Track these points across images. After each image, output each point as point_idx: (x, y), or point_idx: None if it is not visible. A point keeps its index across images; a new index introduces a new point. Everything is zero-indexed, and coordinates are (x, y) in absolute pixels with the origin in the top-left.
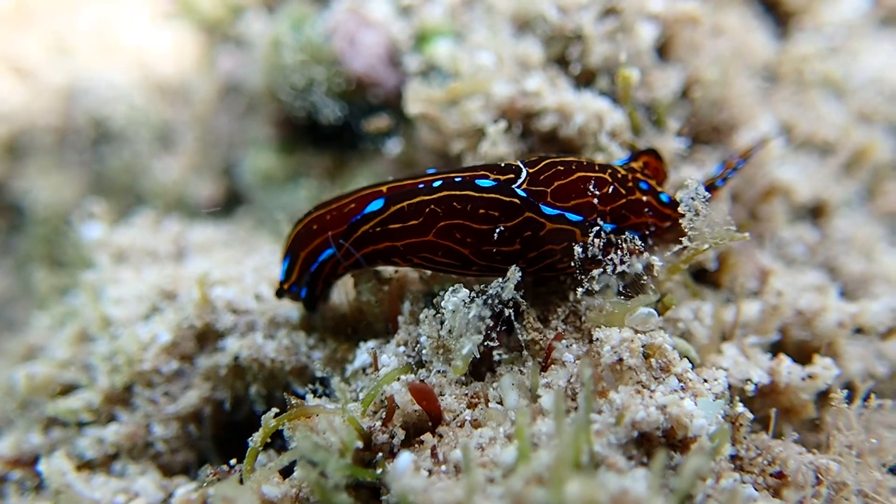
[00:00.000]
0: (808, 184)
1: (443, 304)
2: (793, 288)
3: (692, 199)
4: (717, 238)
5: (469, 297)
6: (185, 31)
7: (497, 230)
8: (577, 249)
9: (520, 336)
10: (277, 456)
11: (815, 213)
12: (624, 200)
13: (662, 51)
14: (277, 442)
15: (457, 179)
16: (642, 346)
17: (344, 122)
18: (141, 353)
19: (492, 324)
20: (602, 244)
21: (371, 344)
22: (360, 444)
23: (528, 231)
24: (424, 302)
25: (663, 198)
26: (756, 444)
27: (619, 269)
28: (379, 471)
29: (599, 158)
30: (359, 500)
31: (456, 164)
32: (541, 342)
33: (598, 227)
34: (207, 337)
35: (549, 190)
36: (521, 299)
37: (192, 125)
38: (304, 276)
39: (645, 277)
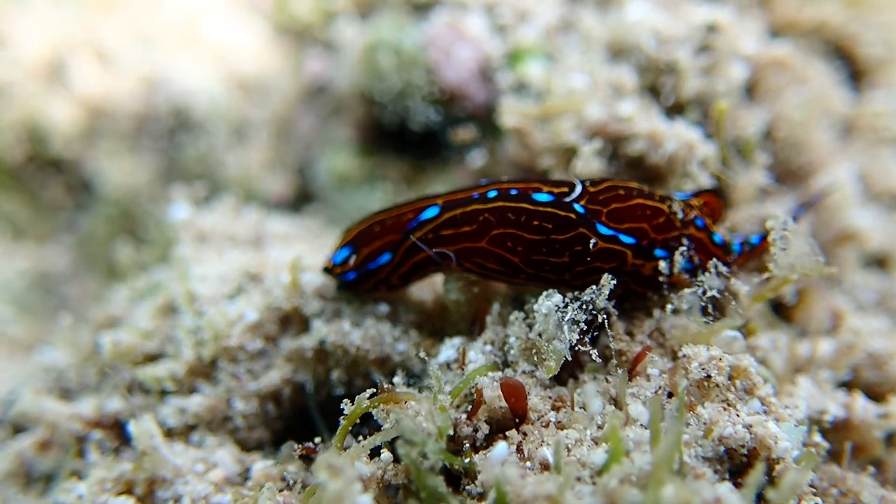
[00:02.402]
0: (879, 234)
1: (536, 306)
2: (866, 330)
3: (784, 229)
4: (805, 270)
5: (563, 301)
6: (270, 30)
7: (548, 241)
8: (663, 266)
9: (610, 345)
10: (354, 440)
11: (881, 263)
12: (676, 233)
13: (750, 91)
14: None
15: (512, 192)
16: (728, 367)
17: (428, 130)
18: (228, 329)
19: (585, 328)
20: (686, 263)
21: (458, 340)
22: (451, 431)
23: (579, 246)
24: (512, 305)
25: (716, 238)
26: (829, 475)
27: (708, 291)
28: (465, 460)
29: (687, 187)
30: None
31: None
32: (627, 353)
33: (650, 252)
34: (292, 320)
35: (605, 210)
36: (613, 309)
37: (270, 123)
38: (361, 269)
39: (733, 302)
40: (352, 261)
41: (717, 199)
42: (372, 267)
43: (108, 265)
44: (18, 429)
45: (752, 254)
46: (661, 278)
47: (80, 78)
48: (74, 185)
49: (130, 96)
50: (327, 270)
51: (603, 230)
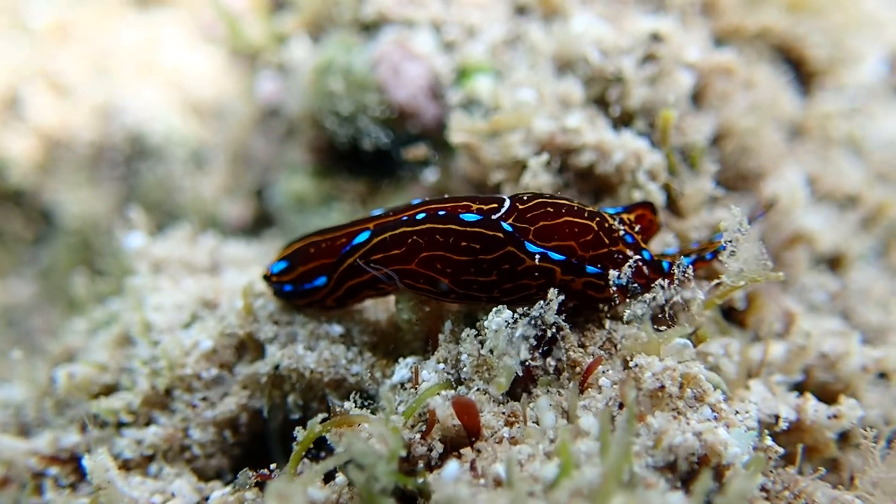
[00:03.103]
0: (829, 235)
1: (486, 323)
2: (817, 331)
3: (737, 232)
4: (753, 276)
5: (513, 317)
6: (225, 55)
7: (476, 261)
8: (613, 274)
9: (562, 358)
10: (311, 464)
11: (833, 263)
12: (605, 250)
13: (696, 99)
14: (310, 451)
15: (440, 213)
16: (679, 376)
17: (381, 150)
18: (183, 358)
19: (535, 343)
20: (631, 275)
21: (411, 360)
22: (403, 452)
23: (507, 264)
24: (465, 322)
25: (645, 255)
26: (782, 478)
27: (656, 300)
28: (420, 480)
29: (636, 196)
30: None
31: (493, 192)
32: (580, 365)
33: (581, 268)
34: (247, 346)
35: (532, 228)
36: (563, 322)
37: (227, 147)
38: (296, 286)
39: (681, 310)
40: (287, 275)
41: (651, 213)
42: (307, 287)
43: (68, 297)
44: None
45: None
46: (599, 295)
47: (36, 109)
48: (34, 217)
49: (87, 126)
50: (266, 278)
51: (532, 248)
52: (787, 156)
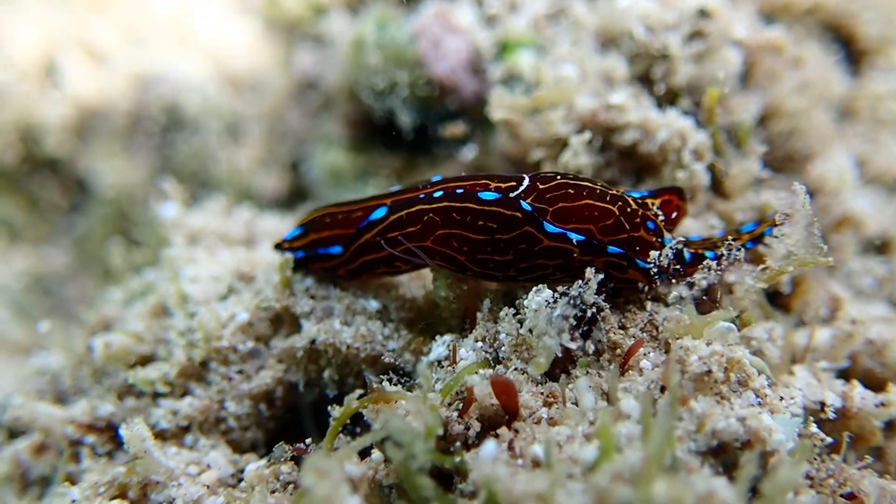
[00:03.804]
0: (877, 218)
1: (526, 302)
2: (864, 317)
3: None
4: (802, 260)
5: (553, 297)
6: (261, 26)
7: (492, 241)
8: (654, 255)
9: (602, 339)
10: (347, 440)
11: (881, 248)
12: (625, 236)
13: (744, 77)
14: (345, 427)
15: (458, 191)
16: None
17: (419, 124)
18: (219, 330)
19: (574, 324)
20: (672, 257)
21: (448, 337)
22: (441, 431)
23: (524, 244)
24: (503, 301)
25: (667, 242)
26: (827, 465)
27: (698, 283)
28: (457, 459)
29: (681, 176)
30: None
31: (532, 171)
32: (620, 347)
33: (602, 249)
34: (283, 320)
35: (551, 209)
36: (603, 303)
37: (262, 119)
38: (308, 251)
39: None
40: (300, 241)
41: (678, 199)
42: (321, 252)
43: (103, 266)
44: (13, 434)
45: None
46: (620, 275)
47: (73, 78)
48: (69, 186)
49: (123, 95)
50: (278, 246)
51: (550, 228)
52: (836, 137)
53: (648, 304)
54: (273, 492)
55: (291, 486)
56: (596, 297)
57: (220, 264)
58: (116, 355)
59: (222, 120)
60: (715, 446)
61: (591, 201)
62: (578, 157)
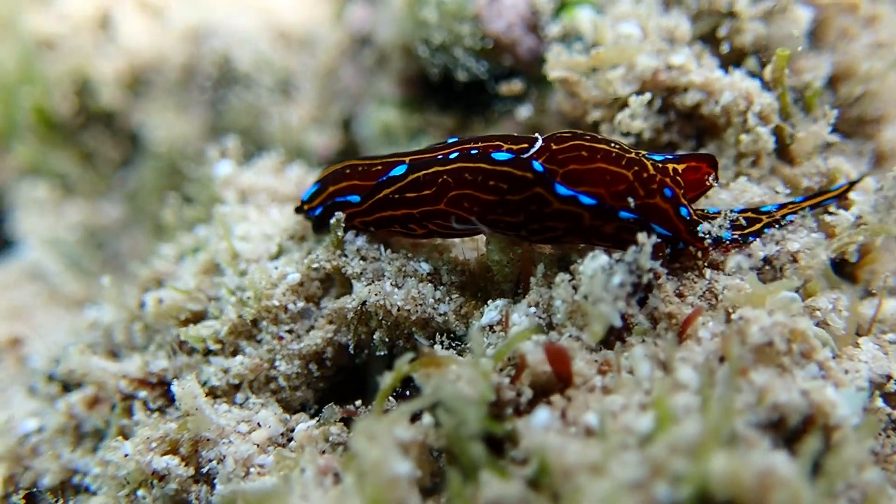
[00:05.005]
0: None
1: (581, 268)
2: None
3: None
4: (874, 229)
5: (609, 263)
6: None
7: (503, 202)
8: (706, 227)
9: (659, 307)
10: (395, 403)
11: None
12: (639, 202)
13: (813, 36)
14: (395, 390)
15: (472, 152)
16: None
17: (474, 82)
18: (270, 289)
19: (631, 291)
20: (725, 226)
21: (501, 302)
22: (493, 397)
23: (534, 206)
24: (558, 266)
25: (683, 211)
26: (893, 441)
27: (757, 251)
28: (508, 426)
29: (745, 139)
30: None
31: (592, 132)
32: (678, 316)
33: (613, 214)
34: (334, 280)
35: (561, 170)
36: (661, 269)
37: (314, 76)
38: (326, 202)
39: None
40: (318, 198)
41: (708, 167)
42: (339, 200)
43: (156, 220)
44: (67, 387)
45: (721, 247)
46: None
47: (128, 31)
48: (123, 140)
49: (176, 49)
50: (299, 210)
51: (562, 191)
52: None
53: (707, 272)
54: (322, 452)
55: (341, 447)
56: (652, 262)
57: (271, 223)
58: (168, 311)
59: (274, 76)
60: (776, 420)
61: (604, 165)
62: (635, 119)
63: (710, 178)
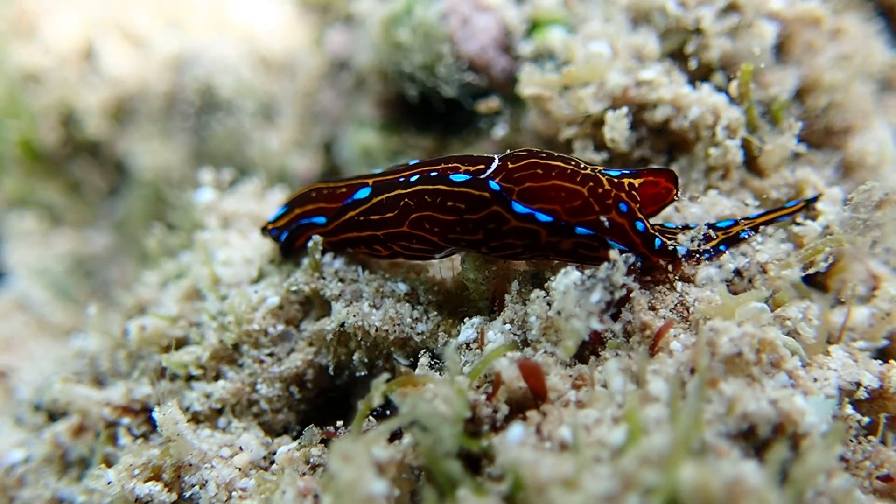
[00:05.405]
0: None
1: (553, 285)
2: None
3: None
4: (838, 240)
5: (581, 279)
6: (294, 7)
7: (461, 221)
8: (683, 239)
9: (632, 320)
10: (375, 422)
11: None
12: (593, 218)
13: (779, 50)
14: (374, 410)
15: (432, 174)
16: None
17: (450, 103)
18: (251, 313)
19: (604, 306)
20: (699, 240)
21: (477, 320)
22: (469, 414)
23: (492, 224)
24: (532, 283)
25: (638, 225)
26: (863, 447)
27: (727, 263)
28: (484, 442)
29: (714, 153)
30: None
31: (564, 150)
32: (650, 328)
33: (570, 230)
34: (313, 303)
35: (517, 189)
36: (633, 283)
37: (296, 100)
38: (291, 226)
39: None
40: (284, 219)
41: (667, 181)
42: (304, 222)
43: (143, 248)
44: (53, 416)
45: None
46: (593, 254)
47: (111, 61)
48: (109, 169)
49: (159, 77)
50: (264, 231)
51: (519, 209)
52: (877, 110)
53: (679, 285)
54: (303, 475)
55: (321, 468)
56: (626, 278)
57: (252, 247)
58: (151, 338)
59: (256, 101)
60: (745, 429)
61: (558, 182)
62: (621, 132)
63: (674, 193)
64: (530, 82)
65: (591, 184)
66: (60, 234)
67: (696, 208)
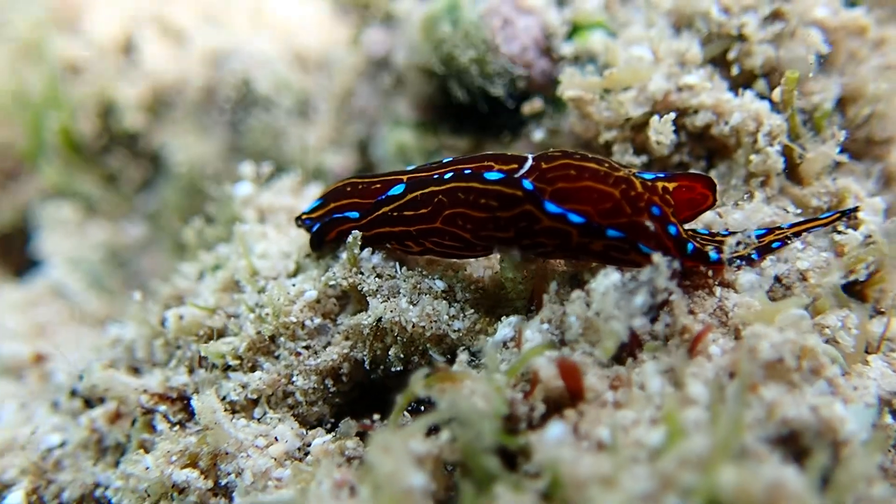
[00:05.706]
0: None
1: (593, 286)
2: None
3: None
4: (880, 250)
5: (621, 281)
6: (332, 5)
7: (493, 218)
8: (730, 243)
9: (671, 323)
10: (410, 418)
11: None
12: (625, 220)
13: (823, 59)
14: (410, 405)
15: (466, 172)
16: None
17: (489, 104)
18: (288, 306)
19: (645, 308)
20: (738, 246)
21: (514, 319)
22: (507, 411)
23: (524, 222)
24: (570, 283)
25: (671, 229)
26: None
27: (768, 270)
28: (521, 440)
29: (755, 159)
30: None
31: (602, 153)
32: (689, 332)
33: (601, 232)
34: (350, 298)
35: (549, 189)
36: (675, 287)
37: (332, 97)
38: (325, 218)
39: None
40: (318, 212)
41: (703, 187)
42: (336, 217)
43: (176, 239)
44: (90, 402)
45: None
46: (625, 257)
47: (150, 55)
48: (145, 162)
49: (196, 72)
50: (298, 220)
51: (551, 209)
52: None
53: (718, 290)
54: (339, 466)
55: (357, 461)
56: (668, 282)
57: (289, 241)
58: (189, 328)
59: (293, 98)
60: (785, 435)
61: (591, 183)
62: (660, 136)
63: (710, 199)
64: (571, 84)
65: (623, 186)
66: (95, 225)
67: (738, 214)
